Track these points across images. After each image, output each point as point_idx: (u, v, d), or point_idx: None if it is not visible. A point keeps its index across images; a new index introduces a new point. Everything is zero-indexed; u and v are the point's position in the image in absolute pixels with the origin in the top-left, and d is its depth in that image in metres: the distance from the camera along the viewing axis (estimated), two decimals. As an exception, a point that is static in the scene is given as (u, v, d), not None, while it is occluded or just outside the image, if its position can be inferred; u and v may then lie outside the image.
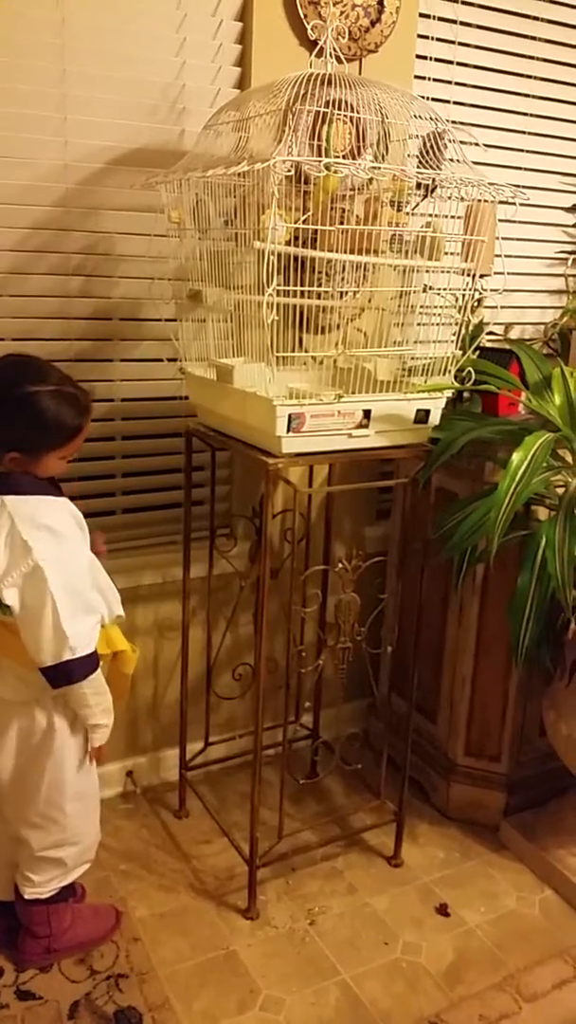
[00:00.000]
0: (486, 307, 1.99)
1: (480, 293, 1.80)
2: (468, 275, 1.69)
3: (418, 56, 2.16)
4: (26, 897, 1.62)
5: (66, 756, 1.55)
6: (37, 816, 1.57)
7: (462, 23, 2.21)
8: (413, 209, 1.67)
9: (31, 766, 1.54)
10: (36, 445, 1.42)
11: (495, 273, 1.79)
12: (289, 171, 1.42)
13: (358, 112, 1.60)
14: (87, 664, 1.43)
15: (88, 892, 1.86)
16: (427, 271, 1.65)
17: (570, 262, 2.59)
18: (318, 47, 1.66)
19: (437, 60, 2.20)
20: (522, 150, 2.43)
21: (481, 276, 1.74)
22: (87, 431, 1.48)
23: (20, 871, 1.62)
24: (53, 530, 1.41)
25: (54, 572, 1.38)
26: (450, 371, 1.72)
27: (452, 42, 2.21)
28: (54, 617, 1.38)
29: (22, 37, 1.73)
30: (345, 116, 1.60)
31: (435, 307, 1.69)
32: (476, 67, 2.28)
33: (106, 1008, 1.58)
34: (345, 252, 1.54)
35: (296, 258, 1.51)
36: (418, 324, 1.71)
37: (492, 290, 1.83)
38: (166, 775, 2.27)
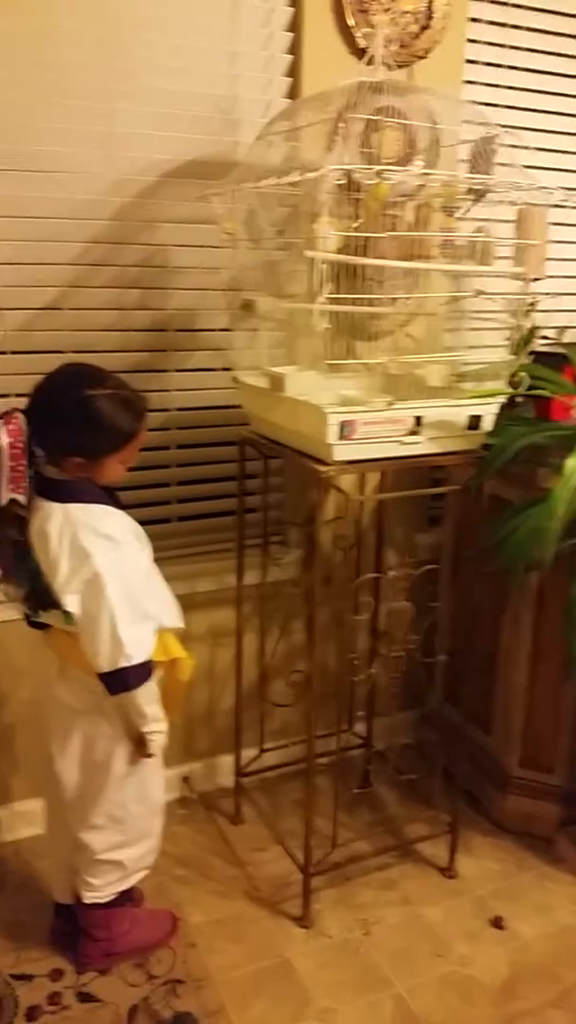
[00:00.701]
0: (539, 311, 1.96)
1: (533, 297, 1.79)
2: (520, 279, 1.67)
3: (468, 61, 2.15)
4: (85, 901, 1.65)
5: (131, 758, 1.57)
6: (101, 818, 1.59)
7: (512, 26, 2.20)
8: (464, 214, 1.66)
9: (95, 772, 1.57)
10: (96, 449, 1.44)
11: (547, 276, 1.77)
12: (340, 179, 1.42)
13: (408, 118, 1.60)
14: (142, 672, 1.45)
15: (146, 897, 1.87)
16: (479, 276, 1.64)
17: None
18: (368, 55, 1.67)
19: (487, 64, 2.19)
20: (574, 152, 2.39)
21: (533, 280, 1.72)
22: (144, 436, 1.50)
23: (80, 875, 1.65)
24: (112, 538, 1.43)
25: (113, 580, 1.40)
26: (503, 376, 1.70)
27: (502, 46, 2.20)
28: (111, 624, 1.40)
29: (74, 52, 1.76)
30: (395, 123, 1.60)
31: (487, 312, 1.68)
32: (526, 70, 2.26)
33: (164, 1013, 1.60)
34: (396, 259, 1.54)
35: (347, 266, 1.52)
36: (470, 329, 1.70)
37: (545, 294, 1.80)
38: (222, 781, 2.28)
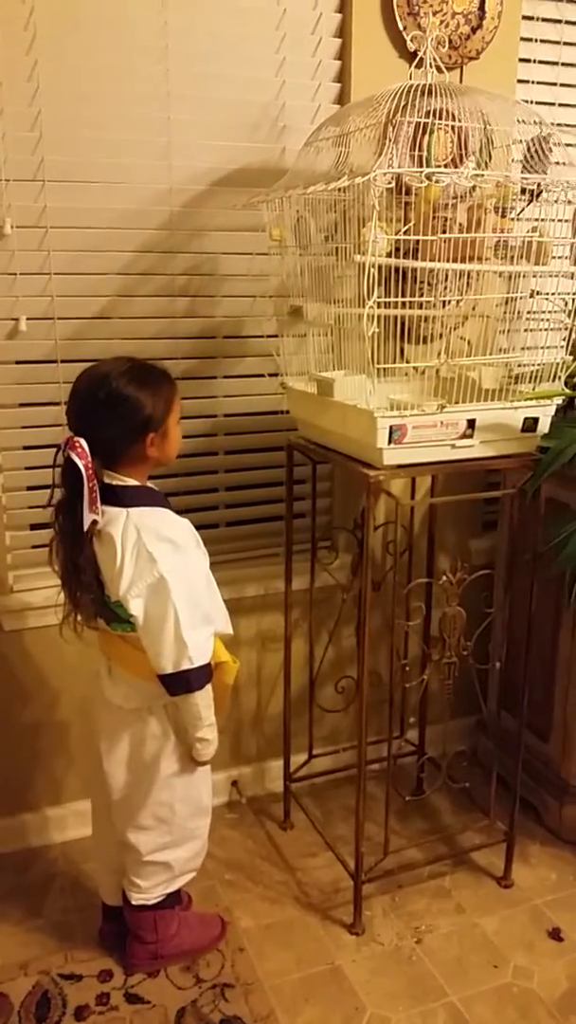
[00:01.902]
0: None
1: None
2: (576, 279, 1.64)
3: (521, 60, 2.12)
4: (133, 903, 1.66)
5: (178, 759, 1.58)
6: (148, 818, 1.60)
7: (567, 23, 2.16)
8: (518, 215, 1.63)
9: (143, 771, 1.58)
10: (159, 414, 1.46)
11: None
12: (390, 183, 1.41)
13: (459, 120, 1.59)
14: (203, 674, 1.47)
15: (194, 901, 1.88)
16: (534, 276, 1.61)
17: None
18: (418, 58, 1.66)
19: (541, 63, 2.16)
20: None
21: (591, 279, 1.68)
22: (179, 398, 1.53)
23: (127, 876, 1.66)
24: (175, 543, 1.45)
25: (177, 583, 1.42)
26: (560, 377, 1.67)
27: (557, 43, 2.16)
28: (176, 627, 1.42)
29: (126, 64, 1.79)
30: (446, 125, 1.59)
31: (543, 312, 1.65)
32: (583, 66, 2.22)
33: (212, 1016, 1.60)
34: (448, 261, 1.52)
35: (398, 269, 1.50)
36: (525, 330, 1.67)
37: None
38: (271, 786, 2.28)
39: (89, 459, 1.40)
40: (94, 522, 1.42)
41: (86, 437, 1.42)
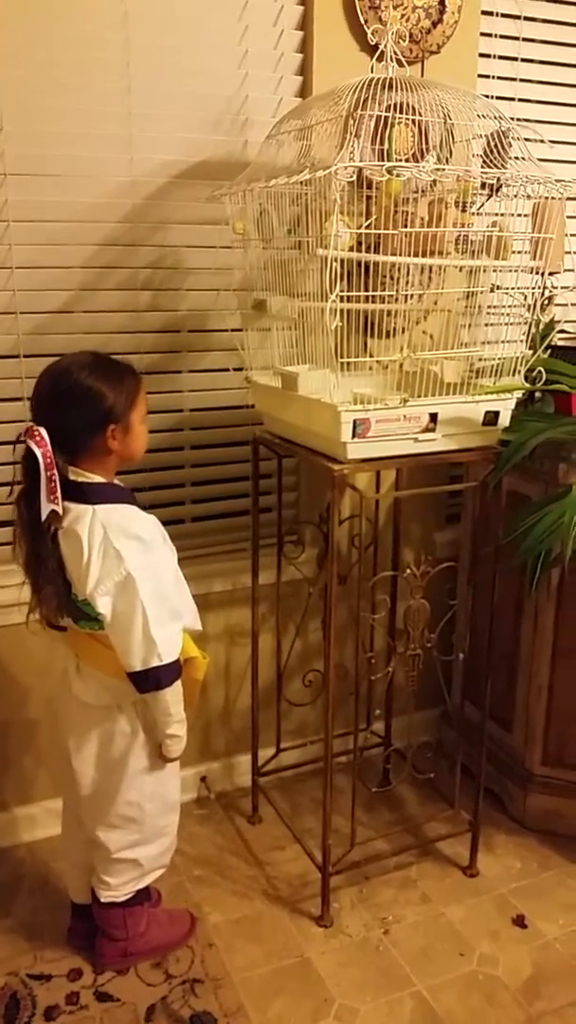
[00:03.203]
0: (557, 305, 1.95)
1: (550, 291, 1.77)
2: (537, 273, 1.66)
3: (481, 54, 2.14)
4: (102, 900, 1.65)
5: (147, 756, 1.58)
6: (116, 816, 1.59)
7: (526, 18, 2.18)
8: (479, 209, 1.64)
9: (112, 769, 1.57)
10: (121, 407, 1.45)
11: (565, 270, 1.75)
12: (351, 177, 1.42)
13: (420, 114, 1.59)
14: (172, 671, 1.47)
15: (163, 897, 1.88)
16: (495, 271, 1.63)
17: None
18: (379, 51, 1.66)
19: (501, 58, 2.17)
20: (592, 144, 2.37)
21: (551, 274, 1.70)
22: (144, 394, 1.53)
23: (96, 874, 1.65)
24: (142, 539, 1.45)
25: (144, 580, 1.42)
26: (520, 371, 1.69)
27: (516, 38, 2.18)
28: (144, 624, 1.42)
29: (87, 55, 1.77)
30: (407, 119, 1.59)
31: (504, 307, 1.67)
32: (542, 62, 2.24)
33: (182, 1012, 1.60)
34: (410, 255, 1.53)
35: (360, 263, 1.51)
36: (486, 325, 1.69)
37: (562, 287, 1.79)
38: (239, 781, 2.29)
39: (48, 448, 1.38)
40: (53, 512, 1.40)
41: (47, 428, 1.40)
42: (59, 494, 1.41)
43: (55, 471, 1.39)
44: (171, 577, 1.50)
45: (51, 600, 1.48)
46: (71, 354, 1.47)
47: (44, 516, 1.39)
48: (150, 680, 1.45)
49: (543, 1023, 1.61)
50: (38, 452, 1.37)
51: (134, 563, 1.41)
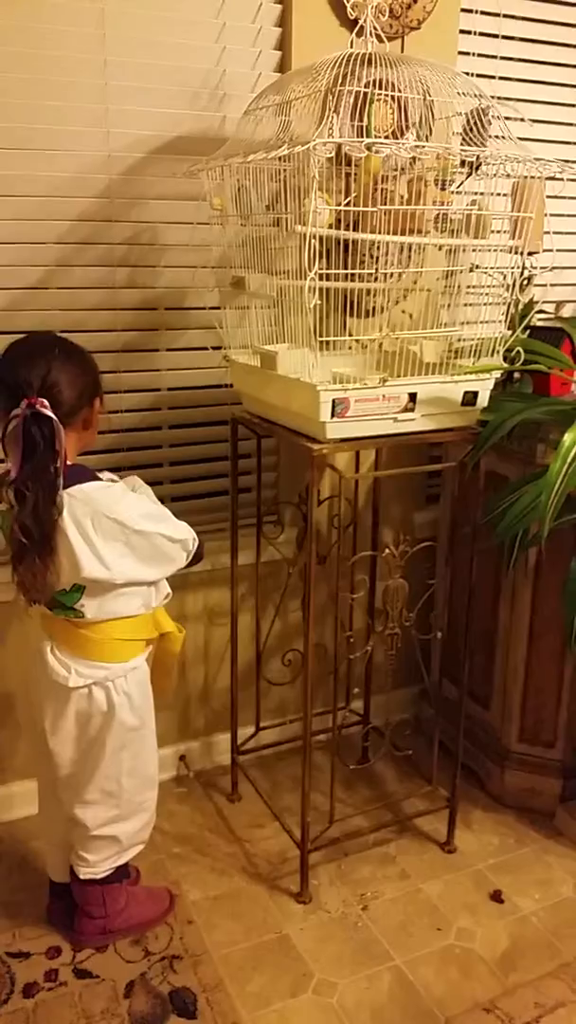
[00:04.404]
0: (536, 285, 1.95)
1: (529, 271, 1.76)
2: (516, 253, 1.65)
3: (462, 31, 2.12)
4: (81, 877, 1.66)
5: (125, 733, 1.58)
6: (95, 793, 1.60)
7: (507, -6, 2.16)
8: (458, 188, 1.64)
9: (90, 747, 1.57)
10: (92, 390, 1.46)
11: (544, 250, 1.75)
12: (330, 153, 1.40)
13: (400, 91, 1.58)
14: (200, 544, 1.59)
15: (142, 875, 1.89)
16: (474, 250, 1.62)
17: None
18: (358, 26, 1.64)
19: (481, 34, 2.16)
20: (572, 124, 2.36)
21: (530, 254, 1.70)
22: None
23: (75, 851, 1.66)
24: (124, 496, 1.47)
25: (141, 523, 1.46)
26: (499, 351, 1.69)
27: (497, 15, 2.16)
28: (169, 543, 1.50)
29: (63, 29, 1.74)
30: (387, 95, 1.58)
31: (483, 287, 1.66)
32: (522, 39, 2.22)
33: (161, 988, 1.61)
34: (390, 233, 1.52)
35: (340, 241, 1.50)
36: (466, 304, 1.68)
37: (542, 268, 1.79)
38: (219, 759, 2.29)
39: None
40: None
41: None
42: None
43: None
44: (159, 508, 1.55)
45: (41, 589, 1.43)
46: (28, 335, 1.45)
47: (59, 499, 1.36)
48: (195, 561, 1.58)
49: (519, 994, 1.63)
50: (54, 416, 1.34)
51: (131, 520, 1.44)
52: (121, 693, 1.55)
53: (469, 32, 2.13)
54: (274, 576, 2.19)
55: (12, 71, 1.72)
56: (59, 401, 1.37)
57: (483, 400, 1.72)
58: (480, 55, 2.17)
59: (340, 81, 1.49)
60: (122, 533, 1.43)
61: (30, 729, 1.86)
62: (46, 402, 1.35)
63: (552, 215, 1.73)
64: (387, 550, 1.78)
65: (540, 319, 2.07)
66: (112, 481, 1.52)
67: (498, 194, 1.61)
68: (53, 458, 1.35)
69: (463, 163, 1.59)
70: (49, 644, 1.55)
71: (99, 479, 1.48)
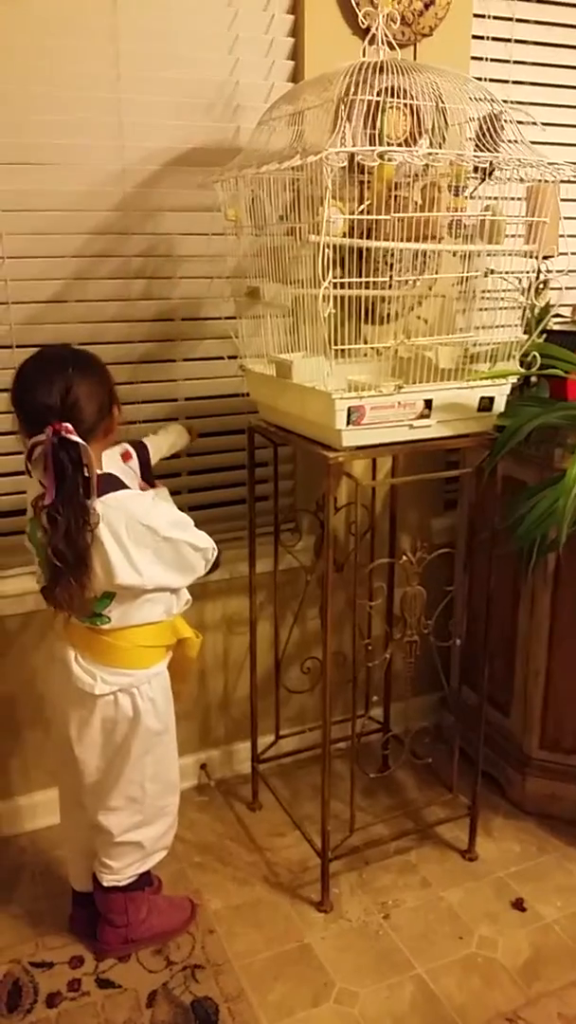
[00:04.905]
0: (552, 289, 1.94)
1: (545, 275, 1.76)
2: (532, 257, 1.65)
3: (474, 36, 2.12)
4: (104, 885, 1.66)
5: (150, 738, 1.58)
6: (119, 799, 1.60)
7: (519, -1, 2.16)
8: (472, 193, 1.63)
9: (115, 754, 1.58)
10: (109, 398, 1.46)
11: (560, 254, 1.74)
12: (343, 162, 1.41)
13: (413, 98, 1.58)
14: (218, 552, 1.60)
15: (164, 884, 1.89)
16: (489, 255, 1.62)
17: None
18: (370, 34, 1.65)
19: (494, 39, 2.16)
20: (586, 127, 2.36)
21: (545, 258, 1.69)
22: None
23: (99, 858, 1.66)
24: (156, 505, 1.49)
25: (170, 531, 1.48)
26: (515, 356, 1.68)
27: (510, 19, 2.16)
28: (193, 551, 1.53)
29: (77, 44, 1.76)
30: (400, 103, 1.58)
31: (499, 291, 1.66)
32: (535, 43, 2.22)
33: (183, 998, 1.61)
34: (404, 240, 1.52)
35: (354, 249, 1.50)
36: (481, 310, 1.68)
37: (558, 271, 1.78)
38: (239, 768, 2.29)
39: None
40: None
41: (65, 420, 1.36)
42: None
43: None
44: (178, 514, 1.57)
45: (80, 608, 1.46)
46: (37, 351, 1.45)
47: (92, 517, 1.37)
48: (214, 570, 1.61)
49: (541, 1004, 1.62)
50: (80, 442, 1.33)
51: (161, 528, 1.46)
52: (146, 699, 1.56)
53: (481, 37, 2.13)
54: (292, 584, 2.19)
55: (27, 86, 1.74)
56: (81, 419, 1.37)
57: (499, 405, 1.71)
58: (493, 59, 2.17)
59: (353, 90, 1.49)
60: (152, 540, 1.45)
61: (54, 738, 1.87)
62: (71, 427, 1.34)
63: (567, 218, 1.72)
64: (405, 557, 1.77)
65: (556, 323, 2.05)
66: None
67: (512, 198, 1.61)
68: (83, 481, 1.35)
69: (476, 168, 1.59)
70: (73, 652, 1.56)
71: (128, 487, 1.49)
